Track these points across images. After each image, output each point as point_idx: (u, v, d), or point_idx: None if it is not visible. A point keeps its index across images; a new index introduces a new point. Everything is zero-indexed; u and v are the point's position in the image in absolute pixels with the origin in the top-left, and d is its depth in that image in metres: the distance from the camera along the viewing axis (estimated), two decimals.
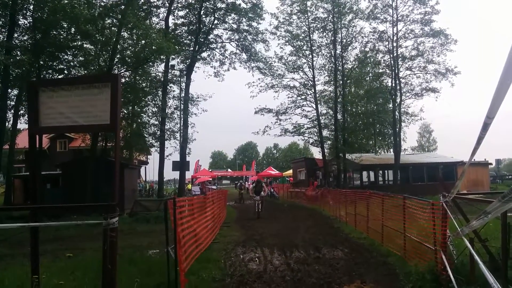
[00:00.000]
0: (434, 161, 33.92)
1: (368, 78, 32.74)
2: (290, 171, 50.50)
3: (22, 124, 25.34)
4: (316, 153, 53.21)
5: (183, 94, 26.54)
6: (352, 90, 33.68)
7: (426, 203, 6.46)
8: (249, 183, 51.98)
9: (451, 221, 5.42)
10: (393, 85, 29.40)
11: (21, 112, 22.28)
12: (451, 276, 4.47)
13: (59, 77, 20.26)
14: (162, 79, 25.12)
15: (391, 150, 34.99)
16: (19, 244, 9.43)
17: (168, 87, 25.74)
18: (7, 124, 22.66)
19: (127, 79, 23.24)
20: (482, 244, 5.50)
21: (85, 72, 20.19)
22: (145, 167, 47.19)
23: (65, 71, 20.61)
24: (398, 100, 29.48)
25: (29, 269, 4.95)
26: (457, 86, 31.02)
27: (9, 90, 20.61)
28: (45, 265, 5.98)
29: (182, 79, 26.85)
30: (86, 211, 14.55)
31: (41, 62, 19.40)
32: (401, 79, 29.39)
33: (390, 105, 30.75)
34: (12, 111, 21.94)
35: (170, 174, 53.77)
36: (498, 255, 5.20)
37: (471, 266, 5.17)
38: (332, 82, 30.15)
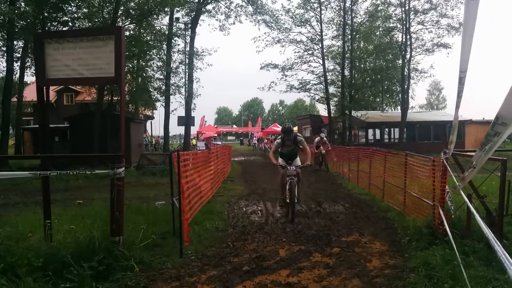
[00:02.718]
0: (442, 119, 33.63)
1: (378, 32, 31.85)
2: (296, 128, 50.55)
3: (29, 77, 25.43)
4: (322, 110, 52.93)
5: (187, 48, 26.18)
6: (361, 45, 32.89)
7: (427, 159, 6.53)
8: (255, 139, 52.19)
9: (451, 178, 5.51)
10: (404, 40, 28.68)
11: (27, 64, 22.29)
12: (448, 230, 4.61)
13: (64, 29, 20.03)
14: (167, 32, 24.68)
15: (399, 107, 34.73)
16: (30, 193, 9.78)
17: (172, 40, 25.37)
18: (14, 76, 22.75)
19: (131, 32, 22.90)
20: (480, 200, 5.61)
21: (89, 24, 19.94)
22: (151, 122, 47.54)
23: (69, 23, 20.39)
24: (408, 56, 28.87)
25: (42, 215, 5.20)
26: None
27: (15, 43, 20.53)
28: (56, 213, 6.23)
29: (186, 33, 26.37)
30: (94, 162, 14.90)
31: (45, 14, 19.11)
32: (412, 34, 28.65)
33: (400, 61, 30.18)
34: (19, 63, 21.97)
35: (176, 130, 54.29)
36: (495, 211, 5.33)
37: (468, 221, 5.32)
38: (340, 37, 29.46)
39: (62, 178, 14.59)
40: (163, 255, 5.08)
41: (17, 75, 23.64)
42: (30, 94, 27.41)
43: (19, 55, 22.10)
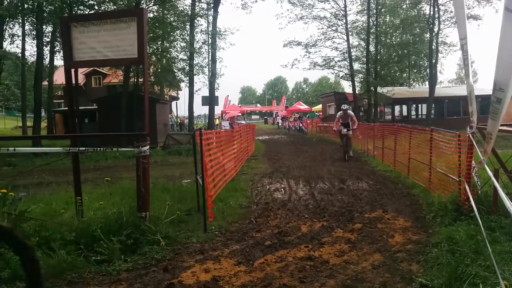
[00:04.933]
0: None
1: (404, 5, 30.67)
2: (320, 106, 50.03)
3: (59, 61, 26.22)
4: (346, 87, 52.01)
5: (210, 28, 26.10)
6: (387, 19, 31.81)
7: (453, 135, 6.38)
8: (279, 118, 52.04)
9: (477, 153, 5.39)
10: (432, 13, 27.56)
11: (57, 48, 22.90)
12: (473, 206, 4.54)
13: (89, 12, 20.37)
14: (189, 12, 24.64)
15: (427, 83, 33.65)
16: (62, 173, 10.20)
17: (195, 21, 25.32)
18: (44, 61, 23.43)
19: (155, 13, 23.02)
20: (508, 176, 5.48)
21: (114, 7, 20.18)
22: (176, 102, 48.14)
23: (95, 7, 20.65)
24: (436, 29, 27.78)
25: (73, 193, 5.45)
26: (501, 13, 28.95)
27: (44, 27, 21.08)
28: (86, 191, 6.52)
29: (209, 12, 26.25)
30: (122, 142, 15.37)
31: None
32: (440, 6, 27.45)
33: (427, 35, 29.08)
34: (48, 47, 22.59)
35: (200, 110, 54.76)
36: None
37: (495, 196, 5.20)
38: (365, 12, 28.55)
39: (92, 158, 15.12)
40: (188, 230, 5.25)
41: (47, 59, 24.38)
42: (60, 77, 28.18)
43: (49, 40, 22.72)
